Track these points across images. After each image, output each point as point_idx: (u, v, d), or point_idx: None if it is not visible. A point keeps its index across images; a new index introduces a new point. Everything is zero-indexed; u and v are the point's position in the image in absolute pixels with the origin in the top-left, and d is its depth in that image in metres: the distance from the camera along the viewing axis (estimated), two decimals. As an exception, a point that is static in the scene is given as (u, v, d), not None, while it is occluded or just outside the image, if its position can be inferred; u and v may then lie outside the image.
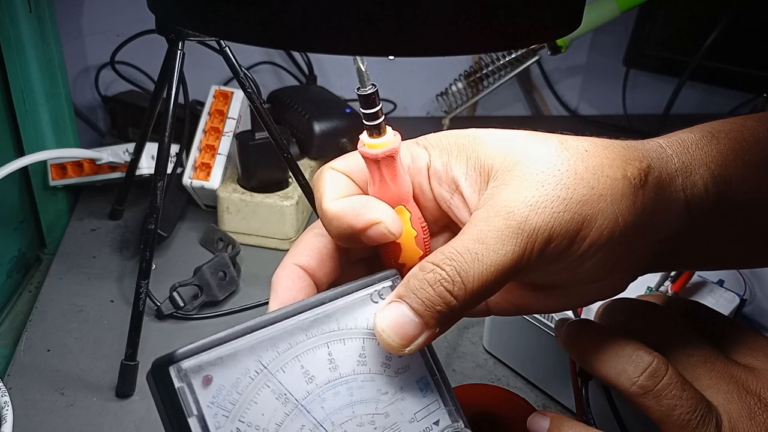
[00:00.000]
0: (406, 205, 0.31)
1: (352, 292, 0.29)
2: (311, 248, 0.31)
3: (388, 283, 0.30)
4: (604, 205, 0.28)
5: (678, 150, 0.31)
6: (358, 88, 0.27)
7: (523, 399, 0.40)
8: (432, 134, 0.32)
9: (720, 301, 0.45)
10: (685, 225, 0.31)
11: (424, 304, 0.27)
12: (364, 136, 0.29)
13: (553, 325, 0.38)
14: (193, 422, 0.23)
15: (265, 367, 0.26)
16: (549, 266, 0.29)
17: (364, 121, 0.29)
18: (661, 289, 0.45)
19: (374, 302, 0.30)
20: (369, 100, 0.28)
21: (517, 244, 0.27)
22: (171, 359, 0.24)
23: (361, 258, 0.33)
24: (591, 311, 0.42)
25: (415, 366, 0.30)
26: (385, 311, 0.28)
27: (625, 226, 0.29)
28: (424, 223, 0.32)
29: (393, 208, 0.30)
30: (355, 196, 0.30)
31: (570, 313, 0.42)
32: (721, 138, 0.32)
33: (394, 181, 0.30)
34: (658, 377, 0.29)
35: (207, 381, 0.25)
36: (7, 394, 0.39)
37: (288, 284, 0.30)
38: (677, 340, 0.32)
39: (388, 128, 0.29)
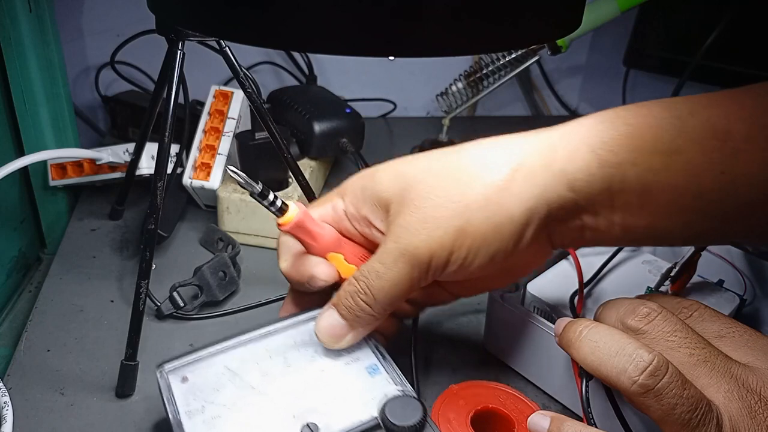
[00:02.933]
0: (337, 250, 0.38)
1: (309, 313, 0.39)
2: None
3: None
4: (470, 213, 0.33)
5: (566, 138, 0.35)
6: (251, 194, 0.35)
7: (524, 398, 0.40)
8: (348, 180, 0.39)
9: (720, 301, 0.45)
10: (570, 203, 0.34)
11: (348, 310, 0.35)
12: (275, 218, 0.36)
13: (553, 325, 0.38)
14: (168, 399, 0.34)
15: (229, 369, 0.36)
16: (445, 271, 0.34)
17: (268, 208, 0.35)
18: (662, 289, 0.45)
19: None
20: (261, 196, 0.35)
21: (405, 263, 0.33)
22: (159, 364, 0.36)
23: None
24: (591, 311, 0.42)
25: (365, 357, 0.37)
26: (322, 315, 0.36)
27: (496, 224, 0.33)
28: (364, 254, 0.39)
29: (327, 255, 0.38)
30: (298, 257, 0.38)
31: (570, 313, 0.43)
32: (617, 124, 0.34)
33: (315, 239, 0.37)
34: (658, 376, 0.29)
35: (184, 380, 0.35)
36: (7, 394, 0.39)
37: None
38: (677, 340, 0.32)
39: (291, 203, 0.36)
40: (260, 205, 0.35)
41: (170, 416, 0.33)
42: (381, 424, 0.33)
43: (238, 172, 0.34)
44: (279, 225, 0.36)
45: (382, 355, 0.37)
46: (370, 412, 0.33)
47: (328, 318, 0.36)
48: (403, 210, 0.34)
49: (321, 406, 0.34)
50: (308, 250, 0.38)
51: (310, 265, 0.38)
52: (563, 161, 0.34)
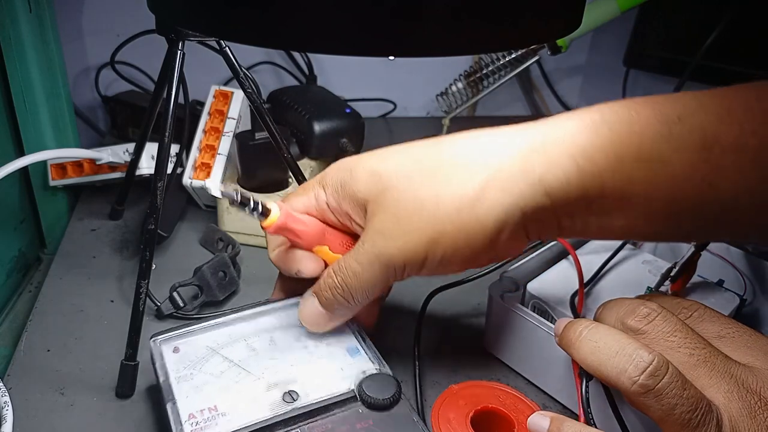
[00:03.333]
0: (322, 242, 0.39)
1: (295, 299, 0.41)
2: None
3: None
4: (442, 224, 0.34)
5: (546, 143, 0.34)
6: (231, 203, 0.36)
7: (524, 398, 0.40)
8: (330, 168, 0.39)
9: (720, 301, 0.45)
10: (546, 208, 0.34)
11: (327, 301, 0.37)
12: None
13: (553, 325, 0.38)
14: (160, 366, 0.37)
15: (218, 344, 0.39)
16: (420, 273, 0.36)
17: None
18: (662, 289, 0.45)
19: None
20: (241, 204, 0.36)
21: (380, 265, 0.35)
22: (153, 335, 0.39)
23: None
24: (591, 311, 0.42)
25: (347, 339, 0.40)
26: (305, 302, 0.38)
27: (468, 233, 0.34)
28: (349, 242, 0.40)
29: (313, 248, 0.39)
30: (285, 249, 0.40)
31: (570, 313, 0.43)
32: (601, 129, 0.33)
33: (299, 236, 0.38)
34: (658, 376, 0.29)
35: (176, 350, 0.38)
36: (7, 394, 0.39)
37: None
38: (677, 340, 0.32)
39: (273, 205, 0.37)
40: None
41: (161, 380, 0.36)
42: (357, 396, 0.35)
43: (214, 185, 0.36)
44: (263, 227, 0.38)
45: (362, 338, 0.40)
46: (347, 386, 0.36)
47: (310, 306, 0.38)
48: (378, 213, 0.35)
49: (302, 378, 0.37)
50: (293, 245, 0.40)
51: (295, 260, 0.39)
52: (541, 169, 0.33)
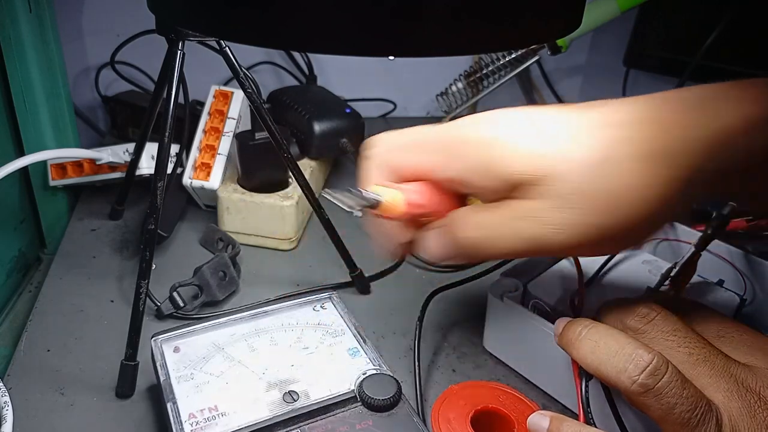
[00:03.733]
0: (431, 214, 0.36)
1: (296, 300, 0.43)
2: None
3: (326, 295, 0.45)
4: (617, 232, 0.31)
5: (719, 143, 0.31)
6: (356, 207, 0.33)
7: (524, 398, 0.40)
8: (459, 139, 0.35)
9: (720, 301, 0.45)
10: (716, 195, 0.34)
11: (456, 246, 0.34)
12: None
13: (553, 325, 0.38)
14: (161, 366, 0.38)
15: (218, 344, 0.39)
16: (567, 255, 0.35)
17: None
18: (662, 289, 0.45)
19: (315, 310, 0.43)
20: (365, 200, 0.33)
21: (528, 247, 0.32)
22: (154, 335, 0.40)
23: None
24: (591, 311, 0.42)
25: (347, 340, 0.40)
26: (431, 235, 0.36)
27: (641, 229, 0.32)
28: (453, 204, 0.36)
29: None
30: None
31: (570, 313, 0.43)
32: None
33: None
34: (658, 375, 0.29)
35: (176, 350, 0.39)
36: (7, 394, 0.39)
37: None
38: (677, 340, 0.32)
39: (385, 193, 0.34)
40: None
41: (161, 379, 0.36)
42: (357, 396, 0.36)
43: (352, 191, 0.32)
44: (381, 216, 0.34)
45: (363, 339, 0.40)
46: (347, 386, 0.36)
47: (436, 240, 0.35)
48: (542, 198, 0.32)
49: (302, 379, 0.37)
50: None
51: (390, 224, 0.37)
52: (715, 164, 0.32)
